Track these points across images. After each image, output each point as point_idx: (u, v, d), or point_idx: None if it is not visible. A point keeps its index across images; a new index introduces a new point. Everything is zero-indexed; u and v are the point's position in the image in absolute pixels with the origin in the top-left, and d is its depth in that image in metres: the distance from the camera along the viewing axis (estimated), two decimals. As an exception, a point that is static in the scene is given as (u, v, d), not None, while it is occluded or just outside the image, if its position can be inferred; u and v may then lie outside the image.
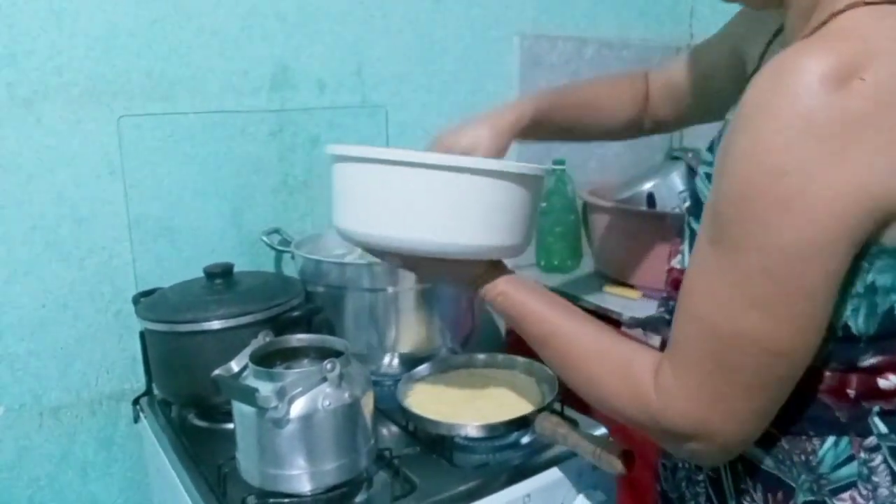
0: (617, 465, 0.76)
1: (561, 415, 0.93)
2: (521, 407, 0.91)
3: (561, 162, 1.42)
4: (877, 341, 0.55)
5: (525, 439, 0.93)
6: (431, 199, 0.69)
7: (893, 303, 0.53)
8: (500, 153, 0.82)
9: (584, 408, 0.98)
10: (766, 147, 0.49)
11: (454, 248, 0.71)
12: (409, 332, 1.07)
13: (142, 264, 1.11)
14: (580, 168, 1.51)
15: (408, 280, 1.04)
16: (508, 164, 0.71)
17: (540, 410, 0.88)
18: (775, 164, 0.48)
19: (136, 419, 1.10)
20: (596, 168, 1.59)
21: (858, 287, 0.53)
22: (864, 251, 0.51)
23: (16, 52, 0.97)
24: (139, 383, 1.11)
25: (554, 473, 0.88)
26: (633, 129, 0.96)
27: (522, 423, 0.87)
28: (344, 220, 0.75)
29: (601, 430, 0.94)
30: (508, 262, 0.79)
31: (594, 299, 1.27)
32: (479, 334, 1.19)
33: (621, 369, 0.62)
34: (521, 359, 1.03)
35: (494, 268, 0.76)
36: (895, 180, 0.48)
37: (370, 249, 0.78)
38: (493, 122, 0.82)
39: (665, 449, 0.63)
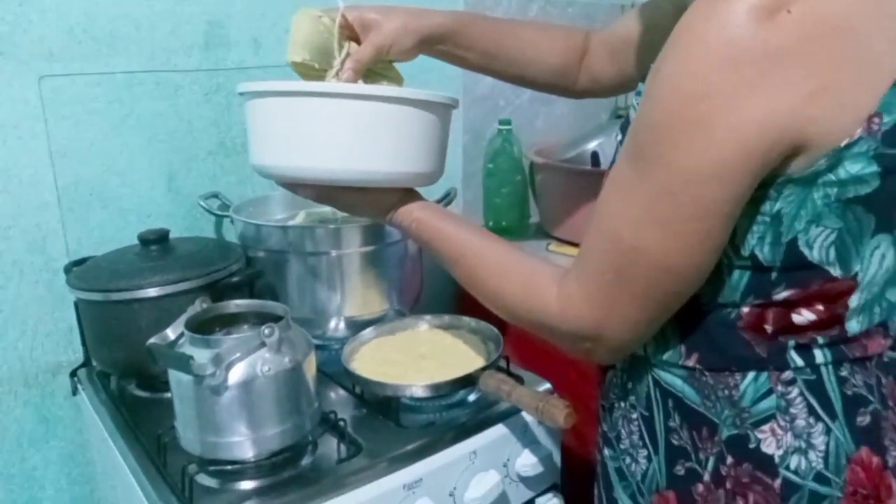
0: (559, 419, 0.78)
1: (506, 371, 0.94)
2: (467, 366, 0.91)
3: (507, 122, 1.40)
4: (786, 273, 0.57)
5: (471, 397, 0.93)
6: (343, 128, 0.70)
7: (797, 233, 0.55)
8: (403, 52, 0.83)
9: (528, 364, 0.99)
10: (689, 70, 0.50)
11: (368, 175, 0.73)
12: (354, 295, 1.06)
13: (73, 232, 1.06)
14: (527, 128, 1.50)
15: (352, 243, 1.03)
16: (419, 92, 0.72)
17: (485, 368, 0.89)
18: (694, 88, 0.50)
19: (75, 391, 1.07)
20: (542, 128, 1.58)
21: (765, 215, 0.55)
22: (771, 179, 0.53)
23: (-79, 7, 0.91)
24: (76, 355, 1.07)
25: (499, 430, 0.89)
26: (565, 80, 0.93)
27: (468, 381, 0.88)
28: (258, 156, 0.76)
29: (545, 386, 0.96)
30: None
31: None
32: (426, 296, 1.19)
33: (525, 279, 0.67)
34: (466, 318, 1.03)
35: (408, 196, 0.79)
36: (806, 113, 0.49)
37: (285, 183, 0.80)
38: (408, 18, 0.82)
39: (566, 351, 0.67)
